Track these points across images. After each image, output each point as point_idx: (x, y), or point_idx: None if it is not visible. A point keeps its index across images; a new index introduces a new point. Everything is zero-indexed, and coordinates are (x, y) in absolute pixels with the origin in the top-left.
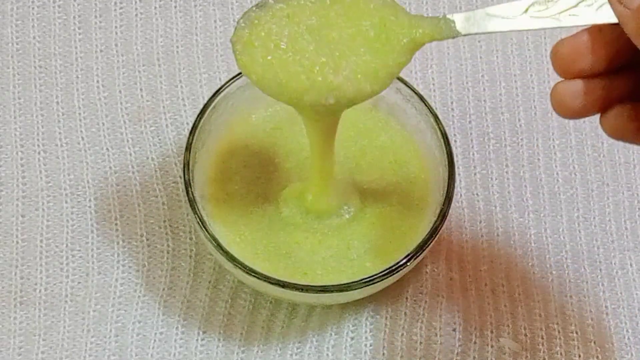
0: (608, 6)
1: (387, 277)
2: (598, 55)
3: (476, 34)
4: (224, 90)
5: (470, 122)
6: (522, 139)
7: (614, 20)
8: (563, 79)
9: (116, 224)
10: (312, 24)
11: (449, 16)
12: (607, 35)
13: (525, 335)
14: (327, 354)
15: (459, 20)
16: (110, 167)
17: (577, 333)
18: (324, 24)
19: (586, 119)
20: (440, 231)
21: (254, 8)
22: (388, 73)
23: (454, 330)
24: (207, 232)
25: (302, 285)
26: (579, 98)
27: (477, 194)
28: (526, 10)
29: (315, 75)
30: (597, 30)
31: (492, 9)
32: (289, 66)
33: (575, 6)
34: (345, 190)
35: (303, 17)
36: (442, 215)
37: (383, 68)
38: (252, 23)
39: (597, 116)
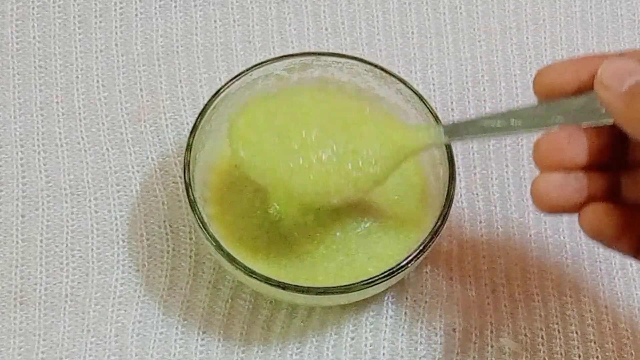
0: (588, 112)
1: (387, 279)
2: (578, 150)
3: (462, 140)
4: (224, 90)
5: None
6: (522, 139)
7: (594, 123)
8: (543, 173)
9: (116, 224)
10: (307, 124)
11: (439, 126)
12: (588, 132)
13: (525, 335)
14: (327, 354)
15: (447, 130)
16: (110, 167)
17: (577, 333)
18: (318, 127)
19: None
20: (441, 232)
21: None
22: (374, 181)
23: (454, 330)
24: (208, 232)
25: (303, 287)
26: (557, 190)
27: (477, 194)
28: (511, 119)
29: (303, 180)
30: (577, 128)
31: (480, 121)
32: (280, 164)
33: (557, 114)
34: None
35: (300, 119)
36: (443, 216)
37: (369, 176)
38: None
39: None
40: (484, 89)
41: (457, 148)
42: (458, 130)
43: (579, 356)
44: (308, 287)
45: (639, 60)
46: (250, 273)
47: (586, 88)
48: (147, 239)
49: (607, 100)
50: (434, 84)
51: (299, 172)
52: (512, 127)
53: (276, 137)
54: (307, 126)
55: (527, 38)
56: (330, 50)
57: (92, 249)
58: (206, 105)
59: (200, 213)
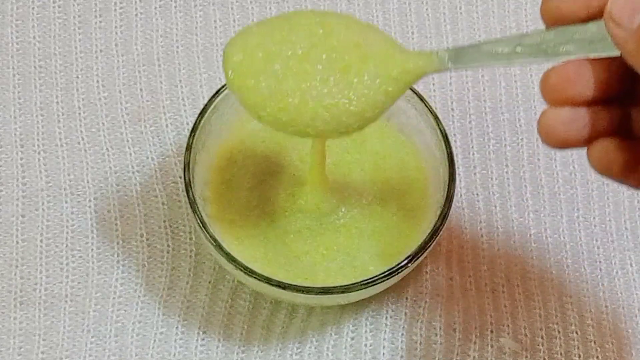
0: (599, 41)
1: (388, 279)
2: (587, 84)
3: (466, 67)
4: (224, 90)
5: (470, 122)
6: (522, 139)
7: (605, 54)
8: (551, 107)
9: (116, 224)
10: (303, 52)
11: (441, 50)
12: (597, 65)
13: (525, 335)
14: (327, 354)
15: (451, 55)
16: (110, 167)
17: (577, 333)
18: (314, 54)
19: None
20: (441, 232)
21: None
22: (375, 102)
23: (454, 330)
24: (208, 233)
25: (303, 287)
26: (565, 125)
27: (477, 194)
28: (517, 46)
29: (299, 106)
30: (586, 61)
31: (484, 45)
32: (279, 93)
33: (566, 42)
34: (345, 190)
35: (295, 45)
36: (443, 216)
37: (370, 98)
38: (245, 46)
39: None
40: (484, 89)
41: (457, 148)
42: (462, 55)
43: (579, 356)
44: (308, 287)
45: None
46: (250, 273)
47: (595, 16)
48: (147, 239)
49: (616, 37)
50: (434, 84)
51: (295, 94)
52: (517, 53)
53: (270, 65)
54: (305, 57)
55: None
56: None
57: (92, 249)
58: (206, 105)
59: (200, 213)
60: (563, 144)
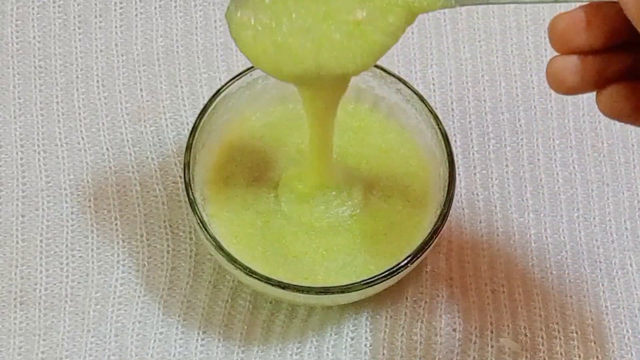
0: None
1: (387, 279)
2: (595, 31)
3: (472, 4)
4: (224, 90)
5: (470, 122)
6: (522, 139)
7: None
8: (559, 54)
9: (116, 224)
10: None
11: None
12: (605, 12)
13: (525, 335)
14: (327, 354)
15: None
16: (110, 167)
17: (577, 333)
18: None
19: (585, 121)
20: (441, 232)
21: None
22: (380, 39)
23: (454, 330)
24: (208, 232)
25: (303, 286)
26: (574, 74)
27: (477, 194)
28: None
29: (302, 51)
30: (595, 7)
31: None
32: (278, 42)
33: None
34: (345, 177)
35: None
36: (443, 216)
37: (375, 34)
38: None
39: (596, 118)
40: (484, 89)
41: (457, 148)
42: None
43: (579, 356)
44: (308, 287)
45: None
46: (250, 273)
47: None
48: (147, 239)
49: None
50: (434, 84)
51: (296, 33)
52: None
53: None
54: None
55: (527, 38)
56: None
57: (92, 249)
58: (206, 105)
59: (200, 213)
60: (572, 91)
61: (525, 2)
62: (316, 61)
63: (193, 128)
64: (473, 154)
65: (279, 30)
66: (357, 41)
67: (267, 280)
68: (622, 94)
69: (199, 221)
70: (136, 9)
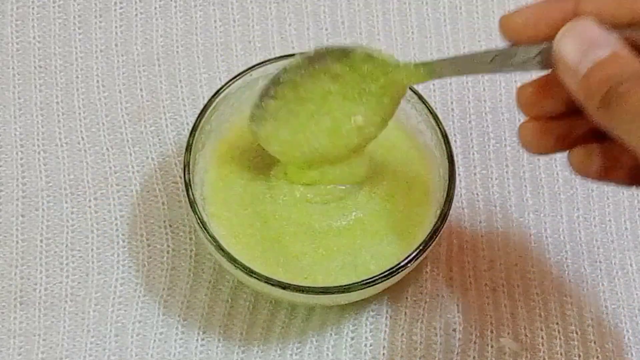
0: None
1: (387, 279)
2: (558, 97)
3: (444, 77)
4: (224, 90)
5: (470, 122)
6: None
7: None
8: (528, 120)
9: (116, 224)
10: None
11: (420, 62)
12: None
13: (525, 335)
14: (327, 354)
15: (430, 66)
16: (110, 167)
17: (577, 333)
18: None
19: None
20: (441, 232)
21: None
22: (377, 132)
23: (454, 330)
24: (208, 233)
25: (303, 286)
26: (543, 137)
27: (477, 194)
28: (491, 61)
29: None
30: (556, 75)
31: (461, 59)
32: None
33: (534, 57)
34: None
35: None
36: (443, 216)
37: (376, 130)
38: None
39: None
40: (484, 89)
41: (457, 148)
42: (435, 69)
43: (579, 356)
44: (308, 287)
45: (611, 18)
46: (250, 273)
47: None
48: (147, 239)
49: (566, 78)
50: (434, 84)
51: (308, 144)
52: (490, 64)
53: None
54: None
55: None
56: None
57: (92, 249)
58: (206, 105)
59: (200, 213)
60: (542, 152)
61: (486, 73)
62: (324, 157)
63: (193, 128)
64: (473, 154)
65: (296, 143)
66: (360, 139)
67: (267, 280)
68: (590, 153)
69: (199, 221)
70: (136, 9)
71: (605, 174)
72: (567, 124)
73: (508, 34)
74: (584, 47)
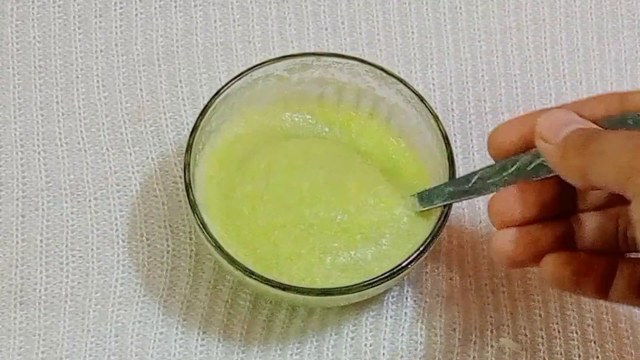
0: (539, 165)
1: (388, 279)
2: (528, 205)
3: (433, 207)
4: (224, 90)
5: (470, 122)
6: None
7: (547, 175)
8: (499, 230)
9: (116, 224)
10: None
11: (413, 195)
12: (538, 186)
13: (525, 335)
14: (327, 354)
15: (419, 199)
16: (110, 167)
17: (577, 333)
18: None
19: None
20: (441, 232)
21: None
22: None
23: (454, 330)
24: (208, 233)
25: (304, 287)
26: (512, 245)
27: None
28: (473, 183)
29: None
30: (528, 184)
31: (446, 187)
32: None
33: (511, 172)
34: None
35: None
36: (443, 216)
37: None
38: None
39: None
40: (484, 89)
41: (457, 148)
42: (427, 197)
43: (579, 356)
44: (309, 288)
45: (577, 111)
46: (250, 274)
47: (532, 146)
48: (147, 239)
49: (545, 152)
50: (434, 84)
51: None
52: (469, 191)
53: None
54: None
55: (527, 38)
56: (330, 51)
57: (92, 249)
58: (206, 105)
59: (200, 214)
60: (514, 264)
61: (471, 198)
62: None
63: (193, 128)
64: (473, 154)
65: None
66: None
67: (268, 282)
68: (560, 262)
69: (199, 222)
70: (136, 9)
71: (578, 284)
72: (536, 230)
73: (496, 150)
74: (559, 123)
